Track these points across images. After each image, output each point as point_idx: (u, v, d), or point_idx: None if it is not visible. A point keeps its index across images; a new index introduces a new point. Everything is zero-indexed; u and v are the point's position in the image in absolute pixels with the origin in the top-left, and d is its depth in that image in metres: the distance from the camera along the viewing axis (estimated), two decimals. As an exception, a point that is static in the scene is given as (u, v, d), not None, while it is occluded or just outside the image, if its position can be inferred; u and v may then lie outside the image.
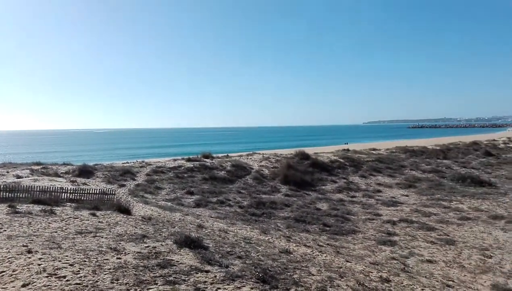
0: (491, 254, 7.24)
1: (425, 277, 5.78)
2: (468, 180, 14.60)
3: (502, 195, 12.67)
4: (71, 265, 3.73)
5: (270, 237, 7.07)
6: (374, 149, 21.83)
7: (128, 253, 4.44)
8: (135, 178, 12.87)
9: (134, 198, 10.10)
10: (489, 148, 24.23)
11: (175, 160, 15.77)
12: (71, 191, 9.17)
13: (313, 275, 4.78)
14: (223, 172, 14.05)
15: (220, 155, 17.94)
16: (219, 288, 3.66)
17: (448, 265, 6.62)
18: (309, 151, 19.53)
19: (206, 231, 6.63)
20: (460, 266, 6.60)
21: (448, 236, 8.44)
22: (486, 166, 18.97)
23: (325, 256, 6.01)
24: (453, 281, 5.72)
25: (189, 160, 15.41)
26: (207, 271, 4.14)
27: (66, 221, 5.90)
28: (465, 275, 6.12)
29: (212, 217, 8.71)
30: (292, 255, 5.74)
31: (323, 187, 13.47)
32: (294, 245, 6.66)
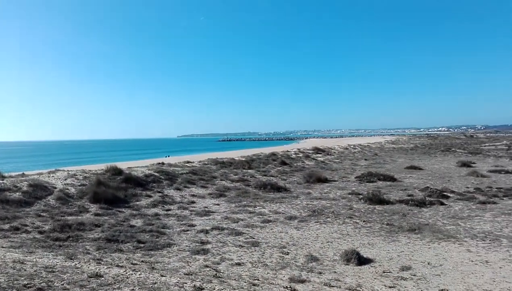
0: (288, 251, 8.35)
1: (235, 279, 6.24)
2: (269, 187, 16.51)
3: (295, 198, 14.81)
4: None
5: (77, 262, 6.44)
6: (188, 162, 22.45)
7: None
8: None
9: None
10: (284, 158, 28.01)
11: None
12: None
13: (127, 296, 4.58)
14: (18, 193, 12.07)
15: (13, 174, 15.36)
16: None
17: (254, 265, 7.32)
18: (123, 165, 18.69)
19: (-5, 265, 5.58)
20: (264, 265, 7.37)
21: (254, 238, 9.35)
22: (282, 173, 21.86)
23: (139, 274, 5.84)
24: (258, 280, 6.34)
25: (-31, 181, 12.67)
26: (-4, 313, 3.50)
27: None
28: (268, 273, 6.86)
29: (3, 247, 7.37)
30: (103, 278, 5.37)
31: (138, 203, 13.07)
32: (106, 267, 6.24)
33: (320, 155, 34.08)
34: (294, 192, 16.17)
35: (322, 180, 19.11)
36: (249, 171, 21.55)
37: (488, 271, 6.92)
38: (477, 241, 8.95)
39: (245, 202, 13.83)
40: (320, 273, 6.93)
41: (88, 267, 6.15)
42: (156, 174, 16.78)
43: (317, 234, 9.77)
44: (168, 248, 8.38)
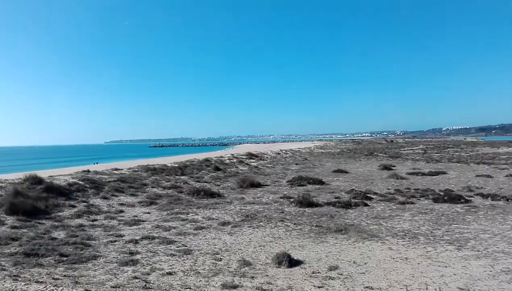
0: (221, 257, 8.30)
1: (165, 289, 6.08)
2: (202, 193, 16.33)
3: (228, 204, 14.81)
4: None
5: (-11, 281, 5.86)
6: (116, 169, 21.48)
7: None
8: None
9: None
10: (218, 163, 27.95)
11: None
12: None
13: (45, 315, 4.26)
14: None
15: None
16: None
17: (186, 274, 7.18)
18: (44, 173, 17.38)
19: None
20: (196, 272, 7.26)
21: (186, 246, 9.17)
22: (216, 179, 21.78)
23: (62, 289, 5.46)
24: (190, 288, 6.24)
25: None
26: None
27: None
28: (200, 280, 6.77)
29: None
30: (19, 297, 4.95)
31: (60, 213, 12.22)
32: (24, 283, 5.76)
33: (253, 160, 34.52)
34: (228, 198, 16.18)
35: (255, 185, 19.35)
36: (182, 177, 21.18)
37: (408, 267, 7.46)
38: (398, 239, 9.62)
39: (177, 209, 13.55)
40: (253, 277, 6.98)
41: (3, 284, 5.64)
42: (80, 182, 15.84)
43: (250, 239, 9.85)
44: (93, 261, 7.93)
